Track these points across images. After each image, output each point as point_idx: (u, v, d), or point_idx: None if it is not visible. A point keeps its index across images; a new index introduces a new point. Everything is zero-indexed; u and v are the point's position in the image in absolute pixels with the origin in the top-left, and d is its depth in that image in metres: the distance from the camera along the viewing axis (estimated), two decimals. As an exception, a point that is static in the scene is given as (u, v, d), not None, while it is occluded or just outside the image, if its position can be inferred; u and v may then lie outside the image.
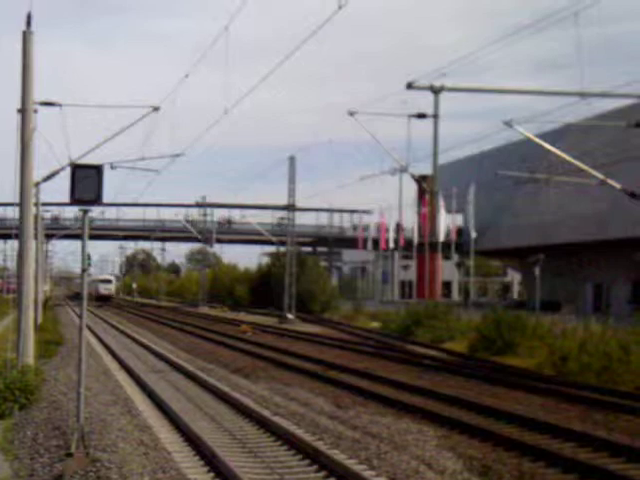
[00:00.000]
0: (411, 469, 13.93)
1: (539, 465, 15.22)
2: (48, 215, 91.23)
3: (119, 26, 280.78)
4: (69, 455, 13.73)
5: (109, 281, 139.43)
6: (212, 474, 14.12)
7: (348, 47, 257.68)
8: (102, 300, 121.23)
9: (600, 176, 29.60)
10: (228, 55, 36.32)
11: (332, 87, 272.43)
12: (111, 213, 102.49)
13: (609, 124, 44.00)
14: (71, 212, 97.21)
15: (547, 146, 30.72)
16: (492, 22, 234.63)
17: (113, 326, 58.98)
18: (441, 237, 73.44)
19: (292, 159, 71.11)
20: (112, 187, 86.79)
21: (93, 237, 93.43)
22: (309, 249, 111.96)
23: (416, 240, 76.94)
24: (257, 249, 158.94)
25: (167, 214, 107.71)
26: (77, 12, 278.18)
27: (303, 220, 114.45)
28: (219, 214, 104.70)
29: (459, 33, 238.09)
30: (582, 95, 29.89)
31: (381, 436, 16.94)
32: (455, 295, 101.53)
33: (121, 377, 27.79)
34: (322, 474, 14.17)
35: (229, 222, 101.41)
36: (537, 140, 30.83)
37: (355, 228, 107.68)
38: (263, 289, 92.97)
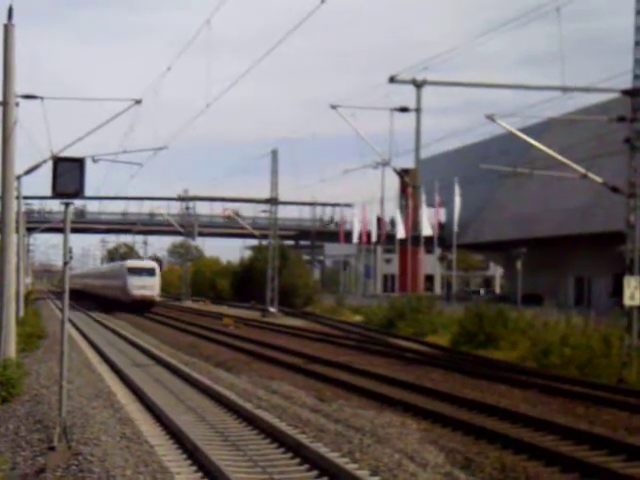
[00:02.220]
0: (393, 462, 13.94)
1: (521, 458, 15.26)
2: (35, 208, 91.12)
3: (101, 19, 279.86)
4: (51, 449, 13.72)
5: (150, 272, 75.66)
6: (194, 467, 14.13)
7: (332, 41, 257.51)
8: (138, 308, 69.99)
9: (582, 170, 29.66)
10: (210, 48, 36.17)
11: (315, 81, 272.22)
12: (93, 207, 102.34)
13: (591, 118, 44.10)
14: (53, 205, 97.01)
15: (529, 140, 30.77)
16: (478, 16, 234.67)
17: (96, 320, 58.84)
18: (423, 231, 73.50)
19: (275, 153, 71.11)
20: (94, 180, 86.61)
21: (75, 230, 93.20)
22: (291, 243, 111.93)
23: (398, 234, 76.97)
24: (239, 243, 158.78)
25: (150, 207, 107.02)
26: (59, 5, 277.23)
27: (285, 214, 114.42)
28: (216, 209, 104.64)
29: (445, 27, 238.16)
30: (564, 90, 29.95)
31: (364, 429, 16.95)
32: (437, 289, 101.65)
33: (103, 370, 27.74)
34: (304, 467, 14.19)
35: (238, 214, 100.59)
36: (519, 134, 30.88)
37: (332, 222, 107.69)
38: (245, 283, 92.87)
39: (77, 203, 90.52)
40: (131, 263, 78.32)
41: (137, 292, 71.53)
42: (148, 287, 72.18)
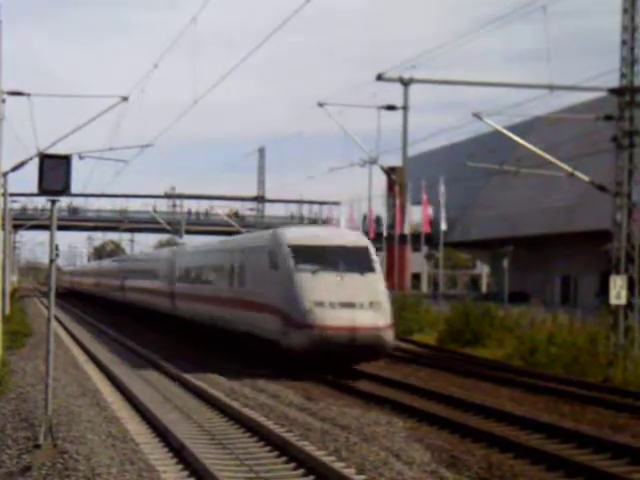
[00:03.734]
0: (380, 460, 13.95)
1: (507, 456, 15.30)
2: (17, 205, 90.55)
3: (88, 17, 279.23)
4: (37, 447, 13.68)
5: (364, 261, 27.23)
6: (181, 466, 14.12)
7: (319, 39, 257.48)
8: (334, 361, 26.05)
9: (568, 169, 29.72)
10: (196, 46, 36.21)
11: (303, 79, 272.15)
12: (79, 204, 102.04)
13: (578, 117, 44.17)
14: (40, 202, 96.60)
15: (516, 138, 30.81)
16: (465, 14, 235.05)
17: (83, 319, 58.64)
18: (409, 229, 73.51)
19: (262, 151, 71.14)
20: (81, 177, 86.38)
21: (61, 228, 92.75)
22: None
23: (385, 232, 77.00)
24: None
25: (136, 205, 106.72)
26: (46, 3, 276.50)
27: (272, 211, 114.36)
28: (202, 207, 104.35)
29: (432, 25, 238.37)
30: (551, 88, 29.94)
31: (350, 428, 16.95)
32: (424, 287, 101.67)
33: (90, 369, 27.67)
34: (291, 465, 14.18)
35: (236, 215, 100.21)
36: (506, 132, 30.91)
37: (315, 222, 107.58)
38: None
39: (68, 200, 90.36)
40: (297, 234, 28.91)
41: (335, 320, 25.78)
42: (365, 306, 26.42)
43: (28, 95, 29.07)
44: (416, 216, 77.68)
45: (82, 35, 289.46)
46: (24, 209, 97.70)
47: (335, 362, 26.05)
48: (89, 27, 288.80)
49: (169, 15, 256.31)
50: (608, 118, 28.05)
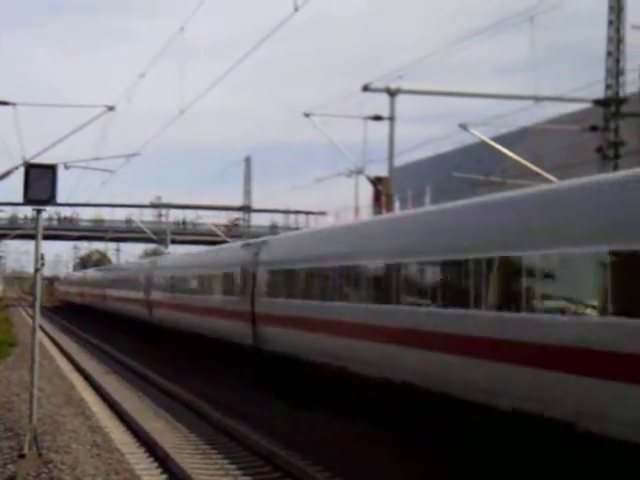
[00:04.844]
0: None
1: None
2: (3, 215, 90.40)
3: (75, 26, 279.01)
4: (22, 456, 13.61)
5: None
6: (166, 475, 14.11)
7: (307, 49, 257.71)
8: None
9: (554, 179, 29.84)
10: (184, 55, 36.22)
11: (290, 89, 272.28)
12: (67, 213, 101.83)
13: (564, 128, 44.33)
14: (28, 211, 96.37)
15: (501, 149, 30.92)
16: (452, 24, 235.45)
17: (69, 329, 58.51)
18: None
19: (248, 160, 71.18)
20: (67, 187, 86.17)
21: (47, 237, 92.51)
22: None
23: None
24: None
25: (122, 214, 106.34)
26: (35, 11, 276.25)
27: (259, 221, 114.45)
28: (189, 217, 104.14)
29: (421, 34, 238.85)
30: (536, 99, 30.07)
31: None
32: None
33: (75, 378, 27.61)
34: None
35: (235, 225, 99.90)
36: (492, 143, 31.02)
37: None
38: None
39: (57, 210, 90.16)
40: None
41: None
42: None
43: (14, 104, 28.98)
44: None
45: (69, 44, 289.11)
46: (14, 218, 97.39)
47: None
48: (76, 36, 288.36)
49: (158, 23, 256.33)
50: (593, 129, 28.20)
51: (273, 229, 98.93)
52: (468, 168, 56.66)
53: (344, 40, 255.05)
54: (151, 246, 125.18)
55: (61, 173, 14.60)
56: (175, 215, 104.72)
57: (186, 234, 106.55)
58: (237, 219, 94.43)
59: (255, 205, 77.02)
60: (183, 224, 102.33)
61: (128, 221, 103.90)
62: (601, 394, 11.39)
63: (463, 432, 14.85)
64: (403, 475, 13.97)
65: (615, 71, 27.32)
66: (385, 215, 29.29)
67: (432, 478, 13.90)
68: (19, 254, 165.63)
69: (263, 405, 21.54)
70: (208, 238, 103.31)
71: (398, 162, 72.32)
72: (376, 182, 72.61)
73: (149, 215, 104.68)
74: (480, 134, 31.02)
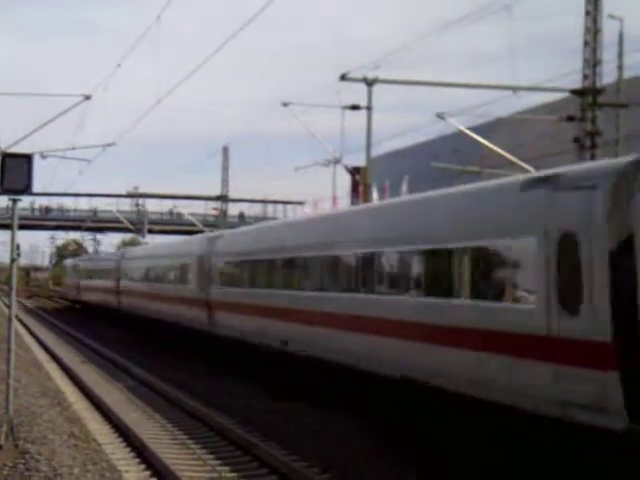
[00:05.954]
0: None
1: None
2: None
3: (51, 15, 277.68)
4: (-2, 447, 13.58)
5: None
6: (143, 466, 14.08)
7: (283, 39, 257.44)
8: None
9: (531, 169, 29.92)
10: (161, 45, 36.08)
11: (267, 78, 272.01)
12: (43, 202, 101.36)
13: (540, 118, 44.41)
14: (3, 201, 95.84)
15: (479, 139, 30.97)
16: (429, 14, 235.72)
17: (47, 320, 58.29)
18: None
19: (225, 150, 71.00)
20: (43, 177, 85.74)
21: (23, 227, 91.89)
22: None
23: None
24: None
25: (99, 204, 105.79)
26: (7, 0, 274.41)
27: (236, 211, 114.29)
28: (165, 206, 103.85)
29: (396, 25, 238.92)
30: (514, 89, 30.11)
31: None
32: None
33: (51, 369, 27.50)
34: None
35: (241, 216, 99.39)
36: (469, 133, 31.07)
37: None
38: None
39: (33, 199, 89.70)
40: None
41: None
42: None
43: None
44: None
45: (46, 33, 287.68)
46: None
47: None
48: (52, 25, 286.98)
49: (135, 14, 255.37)
50: (570, 119, 28.27)
51: (241, 218, 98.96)
52: (446, 158, 56.80)
53: (316, 32, 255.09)
54: (129, 236, 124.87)
55: (37, 163, 14.54)
56: (152, 205, 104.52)
57: (164, 224, 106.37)
58: (215, 209, 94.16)
59: (233, 195, 76.74)
60: (170, 215, 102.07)
61: (105, 211, 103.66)
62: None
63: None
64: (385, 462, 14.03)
65: (592, 61, 27.37)
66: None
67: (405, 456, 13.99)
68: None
69: (232, 392, 21.54)
70: (186, 228, 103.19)
71: (376, 152, 72.50)
72: (354, 172, 72.53)
73: (127, 205, 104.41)
74: (458, 124, 31.09)
